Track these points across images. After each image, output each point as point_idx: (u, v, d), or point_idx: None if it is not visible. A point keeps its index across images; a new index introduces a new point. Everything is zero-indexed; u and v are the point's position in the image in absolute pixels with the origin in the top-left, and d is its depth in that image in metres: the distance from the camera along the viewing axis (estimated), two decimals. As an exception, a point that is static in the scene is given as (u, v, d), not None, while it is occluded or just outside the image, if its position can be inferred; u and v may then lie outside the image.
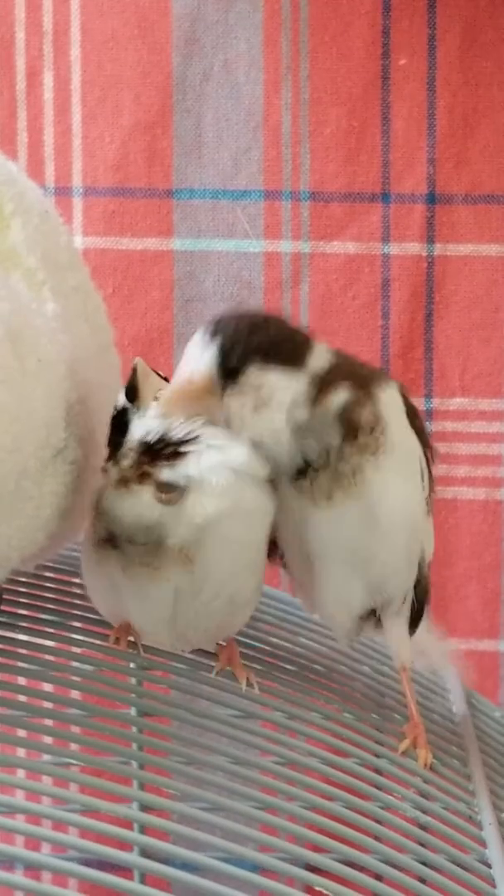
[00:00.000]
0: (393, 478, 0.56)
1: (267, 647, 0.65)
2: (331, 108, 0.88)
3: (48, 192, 0.88)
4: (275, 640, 0.66)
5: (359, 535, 0.57)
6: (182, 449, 0.56)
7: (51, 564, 0.68)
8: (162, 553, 0.55)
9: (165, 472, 0.55)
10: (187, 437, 0.56)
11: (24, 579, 0.66)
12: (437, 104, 0.87)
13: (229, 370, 0.55)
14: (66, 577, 0.67)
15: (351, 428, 0.56)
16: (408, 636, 0.60)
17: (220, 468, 0.55)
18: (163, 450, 0.56)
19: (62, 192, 0.88)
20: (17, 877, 0.43)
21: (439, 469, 0.88)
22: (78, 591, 0.64)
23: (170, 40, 0.88)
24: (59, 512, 0.58)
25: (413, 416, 0.59)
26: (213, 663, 0.61)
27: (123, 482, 0.56)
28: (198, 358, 0.55)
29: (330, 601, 0.59)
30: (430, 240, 0.88)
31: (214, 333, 0.55)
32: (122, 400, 0.58)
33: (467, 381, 0.89)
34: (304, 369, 0.56)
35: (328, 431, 0.56)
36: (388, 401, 0.57)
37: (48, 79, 0.88)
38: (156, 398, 0.57)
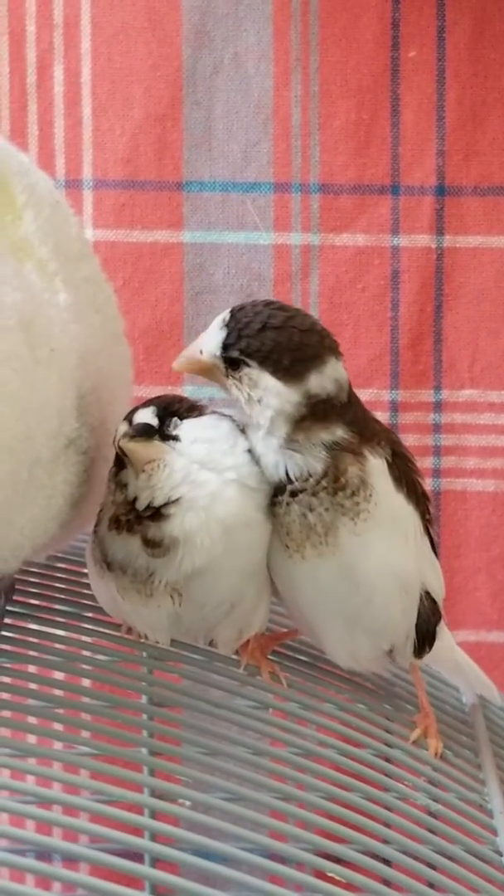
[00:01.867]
0: (374, 544, 0.56)
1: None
2: (340, 101, 0.88)
3: (59, 185, 0.88)
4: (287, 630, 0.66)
5: (337, 592, 0.57)
6: (164, 511, 0.56)
7: (62, 555, 0.68)
8: (152, 586, 0.56)
9: (151, 530, 0.56)
10: (170, 500, 0.56)
11: (35, 570, 0.66)
12: (447, 96, 0.88)
13: (231, 360, 0.57)
14: (77, 568, 0.67)
15: (335, 479, 0.56)
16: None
17: (205, 527, 0.55)
18: (147, 513, 0.56)
19: (73, 185, 0.89)
20: (30, 861, 0.43)
21: (449, 461, 0.89)
22: (88, 582, 0.64)
23: (180, 33, 0.88)
24: (72, 501, 0.58)
25: (405, 465, 0.59)
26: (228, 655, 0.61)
27: (116, 523, 0.57)
28: (210, 336, 0.57)
29: (336, 652, 0.60)
30: (440, 232, 0.88)
31: (228, 321, 0.57)
32: (122, 428, 0.57)
33: (476, 373, 0.89)
34: (301, 385, 0.56)
35: (314, 459, 0.56)
36: (377, 467, 0.57)
37: (58, 72, 0.88)
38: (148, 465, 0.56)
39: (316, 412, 0.56)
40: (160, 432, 0.57)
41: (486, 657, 0.89)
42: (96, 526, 0.59)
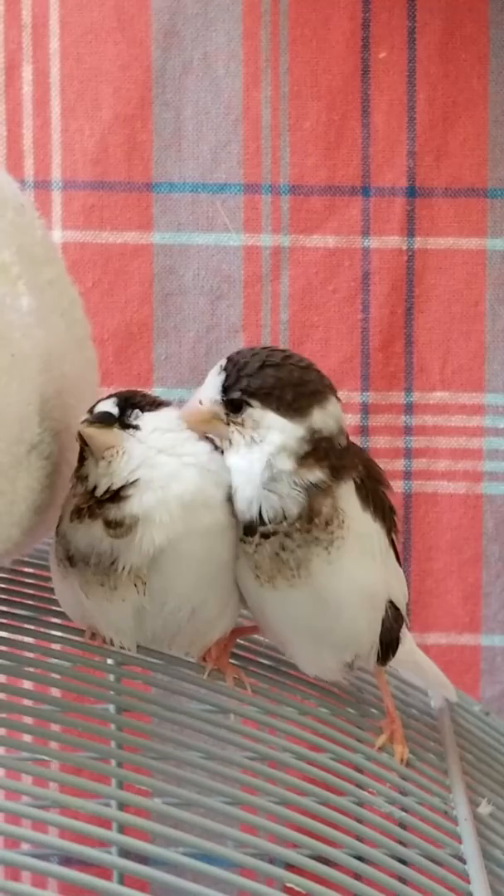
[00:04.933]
0: (346, 566, 0.56)
1: (244, 642, 0.65)
2: (310, 102, 0.87)
3: (27, 186, 0.87)
4: (252, 635, 0.66)
5: (308, 615, 0.57)
6: (123, 493, 0.56)
7: (29, 560, 0.68)
8: (116, 575, 0.56)
9: (112, 512, 0.56)
10: (127, 482, 0.56)
11: (1, 575, 0.66)
12: (417, 97, 0.87)
13: (232, 402, 0.57)
14: (44, 573, 0.66)
15: (310, 519, 0.55)
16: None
17: (164, 504, 0.56)
18: (106, 496, 0.57)
19: (41, 186, 0.88)
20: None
21: (420, 463, 0.89)
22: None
23: (149, 33, 0.87)
24: (34, 507, 0.58)
25: (374, 484, 0.59)
26: (190, 659, 0.61)
27: (78, 513, 0.57)
28: (209, 384, 0.57)
29: (305, 665, 0.60)
30: (411, 233, 0.88)
31: (226, 365, 0.57)
32: (82, 417, 0.58)
33: (447, 375, 0.88)
34: (304, 420, 0.56)
35: (291, 502, 0.55)
36: (345, 490, 0.57)
37: (27, 72, 0.88)
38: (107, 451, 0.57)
39: (318, 450, 0.56)
40: (120, 421, 0.57)
41: (458, 660, 0.89)
42: (58, 525, 0.59)
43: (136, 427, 0.57)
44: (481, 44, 0.87)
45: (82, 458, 0.58)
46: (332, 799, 0.53)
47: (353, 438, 0.87)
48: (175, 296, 0.89)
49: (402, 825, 0.54)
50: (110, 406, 0.58)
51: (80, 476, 0.58)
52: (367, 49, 0.87)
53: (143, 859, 0.48)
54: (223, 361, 0.57)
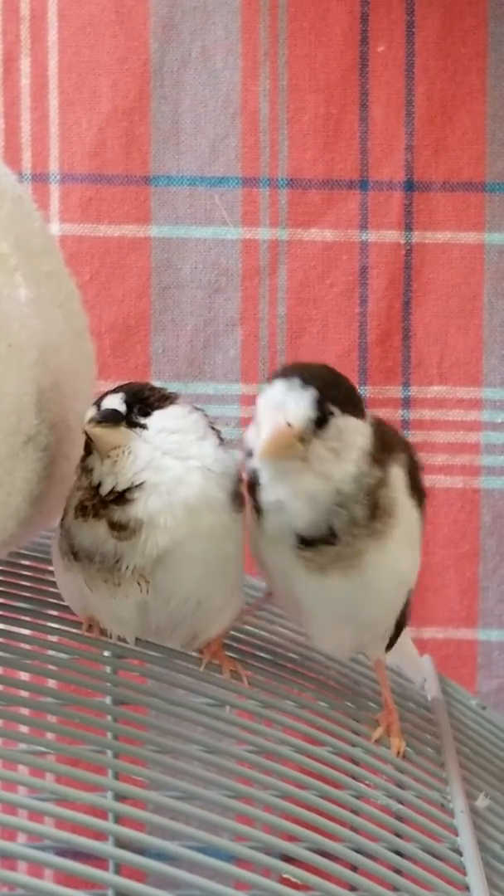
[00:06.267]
0: (392, 553, 0.57)
1: (241, 636, 0.65)
2: (309, 95, 0.87)
3: (25, 179, 0.87)
4: (249, 627, 0.66)
5: (349, 601, 0.57)
6: (128, 496, 0.56)
7: (25, 552, 0.68)
8: (119, 574, 0.56)
9: (117, 514, 0.56)
10: (133, 485, 0.56)
11: (-2, 567, 0.66)
12: (416, 91, 0.87)
13: (322, 417, 0.55)
14: (41, 565, 0.66)
15: (373, 513, 0.56)
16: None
17: (169, 508, 0.56)
18: (111, 497, 0.56)
19: (39, 179, 0.88)
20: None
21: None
22: (53, 580, 0.64)
23: (147, 26, 0.87)
24: (31, 498, 0.58)
25: (415, 474, 0.59)
26: (188, 652, 0.61)
27: (82, 511, 0.57)
28: (293, 401, 0.54)
29: (321, 642, 0.60)
30: (409, 227, 0.88)
31: (306, 380, 0.55)
32: (90, 412, 0.57)
33: (445, 369, 0.88)
34: (366, 416, 0.57)
35: (359, 506, 0.55)
36: (397, 478, 0.57)
37: (25, 64, 0.88)
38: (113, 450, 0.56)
39: (380, 442, 0.56)
40: (127, 419, 0.57)
41: (455, 654, 0.89)
42: (63, 518, 0.59)
43: (143, 426, 0.57)
44: (480, 38, 0.87)
45: (88, 447, 0.57)
46: (329, 791, 0.53)
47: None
48: (173, 289, 0.88)
49: (399, 818, 0.54)
50: (118, 403, 0.57)
51: (84, 468, 0.57)
52: (366, 43, 0.87)
53: (139, 850, 0.48)
54: (290, 379, 0.55)
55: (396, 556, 0.57)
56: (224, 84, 0.87)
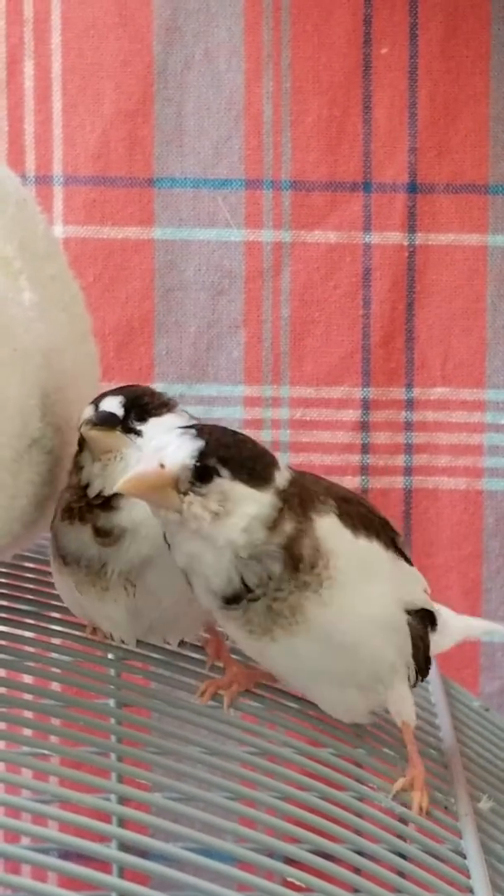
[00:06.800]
0: (347, 602, 0.53)
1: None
2: (312, 97, 0.87)
3: (28, 181, 0.87)
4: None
5: (319, 660, 0.54)
6: (114, 504, 0.56)
7: (29, 554, 0.68)
8: (106, 578, 0.57)
9: (101, 519, 0.56)
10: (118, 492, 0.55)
11: (1, 569, 0.66)
12: (419, 93, 0.87)
13: (204, 470, 0.52)
14: (44, 568, 0.66)
15: (293, 561, 0.52)
16: (409, 693, 0.57)
17: (152, 519, 0.54)
18: (97, 501, 0.56)
19: (43, 181, 0.88)
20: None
21: (420, 459, 0.89)
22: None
23: (151, 28, 0.87)
24: (35, 502, 0.58)
25: (353, 507, 0.56)
26: (191, 654, 0.61)
27: (69, 513, 0.57)
28: (175, 447, 0.52)
29: (331, 709, 0.57)
30: (412, 229, 0.88)
31: (200, 432, 0.53)
32: (88, 412, 0.57)
33: (448, 371, 0.88)
34: (270, 486, 0.53)
35: (272, 560, 0.52)
36: (327, 526, 0.54)
37: (29, 67, 0.88)
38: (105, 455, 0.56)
39: (287, 503, 0.53)
40: (124, 424, 0.56)
41: (458, 655, 0.89)
42: (52, 520, 0.59)
43: (138, 433, 0.56)
44: (483, 40, 0.87)
45: (81, 446, 0.57)
46: (332, 793, 0.53)
47: (353, 435, 0.88)
48: (176, 291, 0.89)
49: (403, 820, 0.54)
50: (116, 406, 0.56)
51: (76, 464, 0.57)
52: (369, 45, 0.87)
53: (143, 853, 0.48)
54: (189, 430, 0.53)
55: (358, 603, 0.54)
56: (227, 86, 0.88)
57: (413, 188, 0.88)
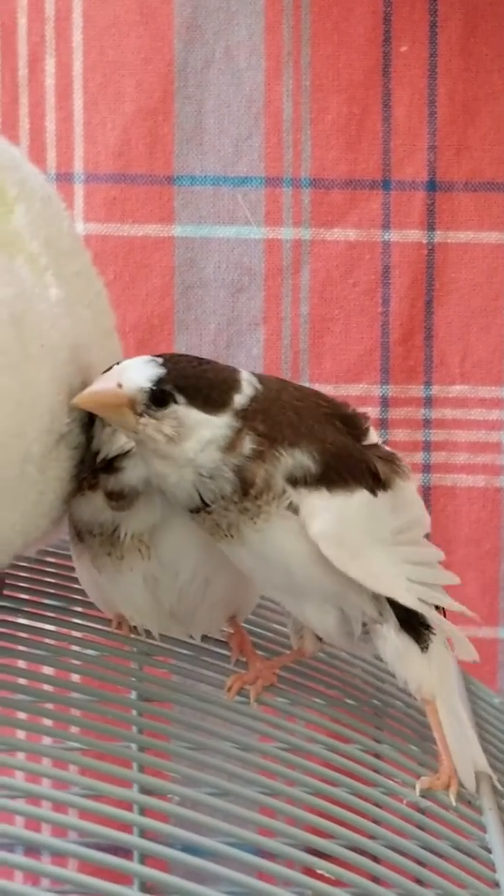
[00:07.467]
0: (278, 538, 0.55)
1: (269, 633, 0.66)
2: (332, 95, 0.88)
3: (49, 179, 0.88)
4: (276, 626, 0.66)
5: (264, 571, 0.56)
6: (117, 464, 0.57)
7: (52, 549, 0.68)
8: (120, 543, 0.58)
9: (111, 482, 0.58)
10: (121, 452, 0.57)
11: (25, 564, 0.66)
12: (438, 91, 0.87)
13: (161, 394, 0.54)
14: (67, 562, 0.67)
15: (243, 485, 0.55)
16: (420, 661, 0.57)
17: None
18: (102, 465, 0.58)
19: (63, 179, 0.88)
20: (18, 857, 0.43)
21: (439, 456, 0.89)
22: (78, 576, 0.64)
23: (171, 26, 0.88)
24: (63, 496, 0.58)
25: (338, 460, 0.56)
26: (214, 648, 0.61)
27: (80, 487, 0.58)
28: (135, 370, 0.55)
29: (304, 619, 0.58)
30: (431, 227, 0.88)
31: (164, 361, 0.55)
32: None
33: (467, 369, 0.89)
34: (227, 410, 0.55)
35: (224, 482, 0.55)
36: (289, 465, 0.55)
37: (50, 65, 0.88)
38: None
39: (247, 422, 0.55)
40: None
41: (477, 651, 0.89)
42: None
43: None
44: (502, 38, 0.87)
45: (92, 418, 0.59)
46: (357, 787, 0.53)
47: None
48: (196, 288, 0.89)
49: (427, 814, 0.54)
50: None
51: (90, 436, 0.59)
52: (389, 43, 0.87)
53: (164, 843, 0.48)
54: (153, 358, 0.55)
55: (289, 544, 0.55)
56: (247, 84, 0.88)
57: (432, 186, 0.88)
